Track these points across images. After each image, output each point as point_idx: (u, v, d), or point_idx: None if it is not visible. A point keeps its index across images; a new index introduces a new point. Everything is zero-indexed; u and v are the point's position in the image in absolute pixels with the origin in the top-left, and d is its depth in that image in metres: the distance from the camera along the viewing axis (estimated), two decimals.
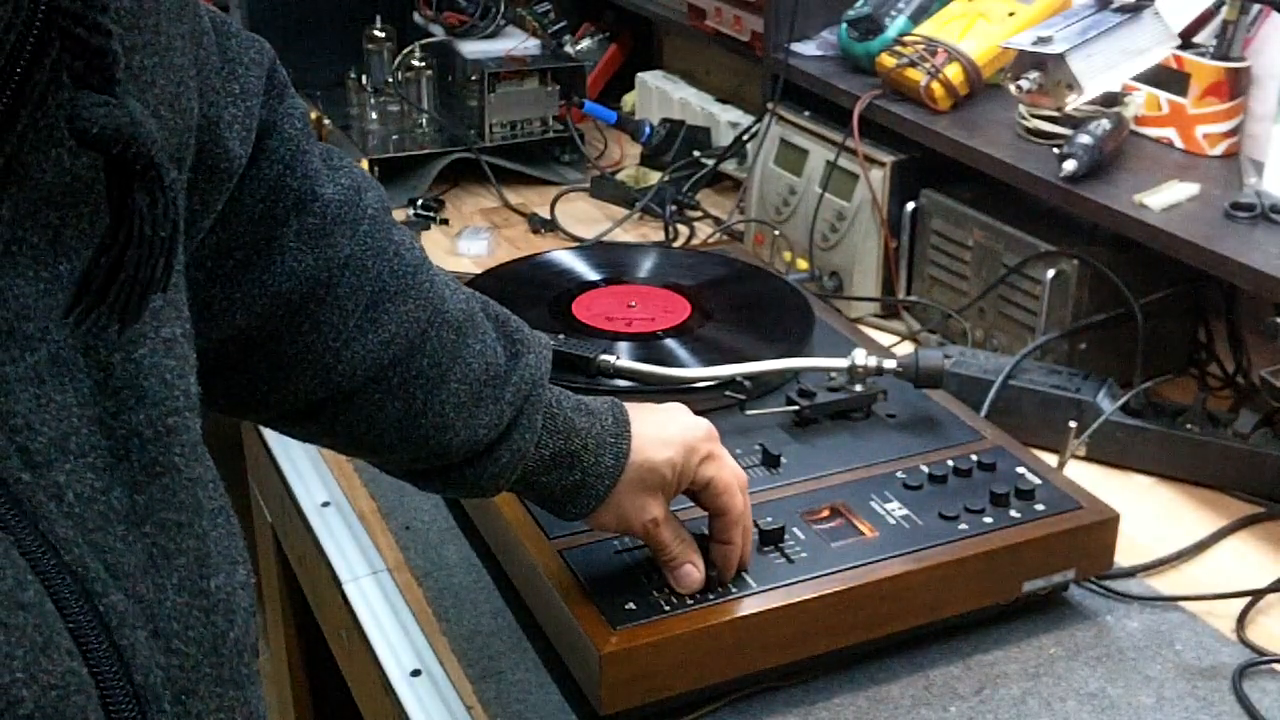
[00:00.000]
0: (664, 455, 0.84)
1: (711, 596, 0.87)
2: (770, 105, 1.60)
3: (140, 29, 0.52)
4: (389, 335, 0.75)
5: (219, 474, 0.60)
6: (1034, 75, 1.28)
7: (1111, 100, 1.31)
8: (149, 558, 0.52)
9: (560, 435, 0.82)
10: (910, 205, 1.43)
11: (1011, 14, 1.44)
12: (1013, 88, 1.30)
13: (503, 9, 1.86)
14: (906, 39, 1.46)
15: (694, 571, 0.87)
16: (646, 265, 1.31)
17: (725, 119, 1.84)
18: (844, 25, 1.53)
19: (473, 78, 1.80)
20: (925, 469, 1.01)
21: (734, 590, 0.88)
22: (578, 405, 0.84)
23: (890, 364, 1.09)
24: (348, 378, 0.74)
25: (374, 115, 1.86)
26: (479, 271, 1.34)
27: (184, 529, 0.54)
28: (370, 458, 0.82)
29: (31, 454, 0.48)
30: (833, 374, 1.10)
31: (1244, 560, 1.07)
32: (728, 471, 0.87)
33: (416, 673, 0.95)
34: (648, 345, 1.14)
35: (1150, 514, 1.12)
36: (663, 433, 0.85)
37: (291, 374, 0.73)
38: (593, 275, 1.28)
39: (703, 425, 0.88)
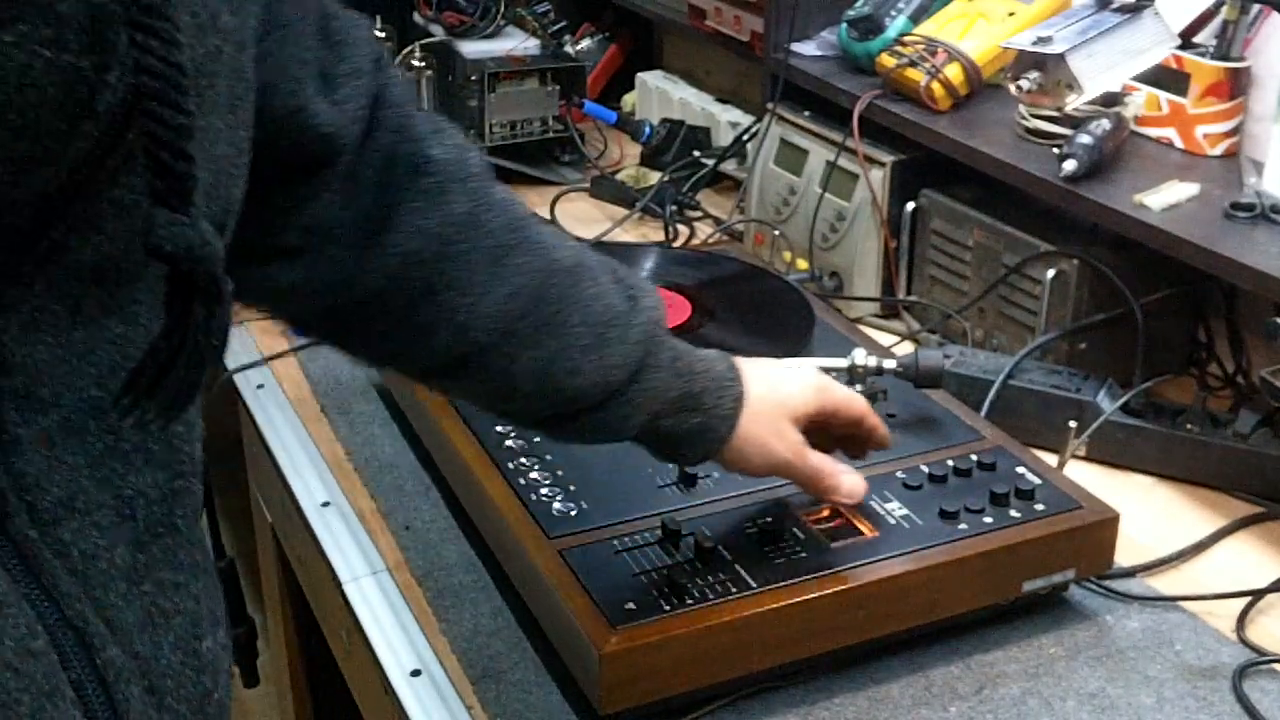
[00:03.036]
0: (785, 389, 0.88)
1: (711, 596, 0.87)
2: (770, 105, 1.60)
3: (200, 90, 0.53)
4: (515, 287, 0.77)
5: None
6: (1034, 75, 1.28)
7: (1111, 100, 1.31)
8: (146, 616, 0.54)
9: (684, 377, 0.83)
10: (910, 205, 1.43)
11: (1011, 14, 1.44)
12: (1013, 88, 1.30)
13: (503, 9, 1.86)
14: (906, 39, 1.46)
15: (857, 478, 0.92)
16: (646, 265, 1.31)
17: (725, 119, 1.84)
18: (844, 25, 1.53)
19: (473, 78, 1.80)
20: (925, 469, 1.01)
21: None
22: (693, 350, 0.86)
23: (890, 364, 1.09)
24: (484, 332, 0.76)
25: None
26: None
27: (181, 589, 0.56)
28: (508, 408, 0.83)
29: (39, 512, 0.50)
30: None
31: (1244, 560, 1.07)
32: (842, 389, 0.93)
33: (416, 673, 0.95)
34: None
35: (1150, 514, 1.12)
36: (773, 372, 0.89)
37: (432, 332, 0.76)
38: None
39: (804, 365, 0.94)
